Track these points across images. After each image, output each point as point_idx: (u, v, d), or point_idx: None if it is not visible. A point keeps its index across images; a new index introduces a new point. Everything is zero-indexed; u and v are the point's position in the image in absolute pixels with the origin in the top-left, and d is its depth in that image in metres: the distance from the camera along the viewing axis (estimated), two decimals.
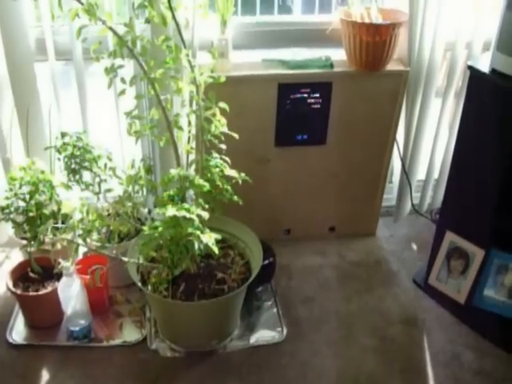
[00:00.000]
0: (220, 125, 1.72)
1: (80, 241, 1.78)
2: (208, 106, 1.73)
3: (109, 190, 1.95)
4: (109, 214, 2.10)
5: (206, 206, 1.69)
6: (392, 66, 2.20)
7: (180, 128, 1.74)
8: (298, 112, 2.21)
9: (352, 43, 2.09)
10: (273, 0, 2.52)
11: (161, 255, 1.76)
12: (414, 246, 2.59)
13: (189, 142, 1.83)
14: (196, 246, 1.54)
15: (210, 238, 1.50)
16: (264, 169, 2.32)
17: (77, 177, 1.91)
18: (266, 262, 2.15)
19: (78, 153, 1.89)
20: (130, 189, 1.93)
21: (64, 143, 1.89)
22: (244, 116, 2.14)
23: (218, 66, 2.01)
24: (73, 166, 1.90)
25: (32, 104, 2.16)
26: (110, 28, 1.59)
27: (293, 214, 2.50)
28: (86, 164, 1.90)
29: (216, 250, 1.52)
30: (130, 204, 1.97)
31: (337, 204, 2.51)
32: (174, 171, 1.65)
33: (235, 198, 1.75)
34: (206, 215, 1.54)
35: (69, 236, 1.76)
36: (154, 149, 2.33)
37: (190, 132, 1.82)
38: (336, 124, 2.27)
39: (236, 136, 1.74)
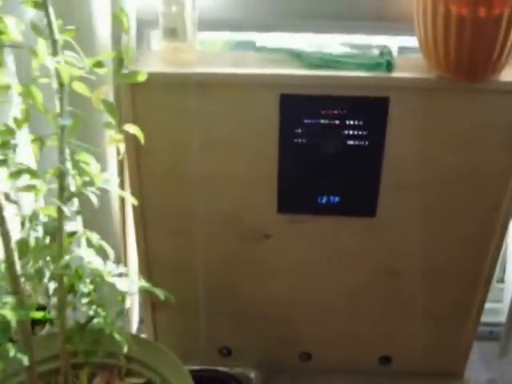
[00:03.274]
0: (97, 179, 0.73)
1: None
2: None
3: None
4: None
5: None
6: None
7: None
8: (320, 152, 1.18)
9: (430, 23, 1.05)
10: None
11: None
12: None
13: None
14: None
15: None
16: (260, 251, 1.30)
17: None
18: None
19: None
20: None
21: None
22: (218, 154, 1.16)
23: (171, 54, 1.07)
24: None
25: None
26: None
27: (315, 329, 1.44)
28: None
29: None
30: None
31: (395, 320, 1.42)
32: None
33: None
34: None
35: None
36: None
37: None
38: (396, 179, 1.22)
39: (135, 202, 0.75)
